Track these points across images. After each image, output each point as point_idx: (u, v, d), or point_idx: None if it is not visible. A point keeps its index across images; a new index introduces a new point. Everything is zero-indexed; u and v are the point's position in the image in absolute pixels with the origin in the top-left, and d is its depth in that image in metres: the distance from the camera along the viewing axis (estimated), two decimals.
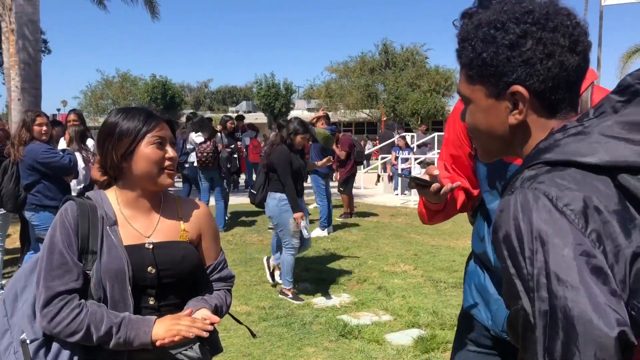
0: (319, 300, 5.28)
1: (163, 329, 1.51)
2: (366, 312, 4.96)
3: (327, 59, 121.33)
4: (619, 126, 0.87)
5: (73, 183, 5.41)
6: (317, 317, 4.80)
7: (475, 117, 1.05)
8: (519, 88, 0.96)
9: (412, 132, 16.50)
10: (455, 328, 4.66)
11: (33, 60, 11.45)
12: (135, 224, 1.61)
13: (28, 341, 1.46)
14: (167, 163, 1.60)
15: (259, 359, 3.93)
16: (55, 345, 1.46)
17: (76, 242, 1.51)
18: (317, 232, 8.17)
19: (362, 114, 36.25)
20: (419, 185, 1.65)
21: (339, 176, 9.40)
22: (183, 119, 33.33)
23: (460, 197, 1.87)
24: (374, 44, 50.86)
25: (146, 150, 1.57)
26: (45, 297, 1.45)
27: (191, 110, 44.06)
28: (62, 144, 5.90)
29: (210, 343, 1.68)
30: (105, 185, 1.68)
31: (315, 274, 6.14)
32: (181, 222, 1.69)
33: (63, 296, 1.46)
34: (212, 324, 1.66)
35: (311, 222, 9.26)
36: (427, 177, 1.66)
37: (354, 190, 10.39)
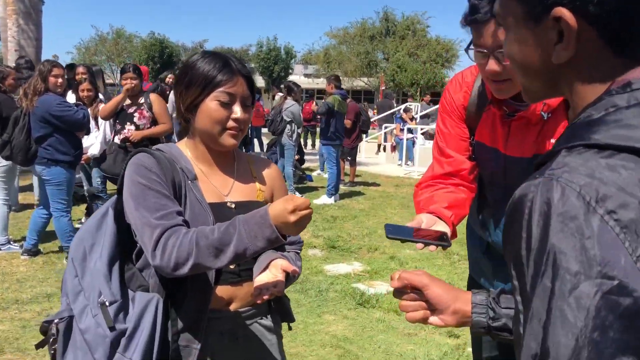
0: (331, 268, 5.23)
1: (278, 212, 1.25)
2: (380, 281, 4.92)
3: (326, 24, 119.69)
4: None
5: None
6: (332, 284, 4.75)
7: (510, 47, 0.77)
8: (563, 12, 0.67)
9: (409, 101, 16.38)
10: None
11: (34, 10, 11.08)
12: (213, 181, 1.50)
13: (107, 303, 1.35)
14: (231, 124, 1.45)
15: None
16: (137, 306, 1.36)
17: (167, 188, 1.37)
18: (324, 199, 8.10)
19: (360, 82, 35.95)
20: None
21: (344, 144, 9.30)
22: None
23: (465, 198, 1.77)
24: (374, 11, 50.09)
25: (211, 105, 1.43)
26: (156, 236, 1.30)
27: None
28: (71, 99, 5.72)
29: (281, 311, 1.61)
30: (179, 135, 1.57)
31: (325, 241, 6.09)
32: (256, 181, 1.58)
33: (172, 229, 1.32)
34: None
35: (317, 189, 9.20)
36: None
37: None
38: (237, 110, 1.45)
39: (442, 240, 1.42)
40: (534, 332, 0.59)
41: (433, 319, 1.11)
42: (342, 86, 8.58)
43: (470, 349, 3.56)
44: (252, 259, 1.50)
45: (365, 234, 6.51)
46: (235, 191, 1.52)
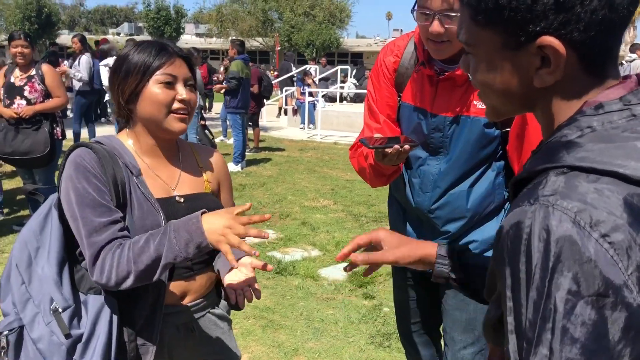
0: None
1: (214, 227, 1.25)
2: (295, 247, 5.03)
3: None
4: None
5: None
6: None
7: (484, 75, 0.78)
8: (551, 40, 0.69)
9: (307, 63, 16.52)
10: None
11: None
12: (159, 174, 1.46)
13: (60, 309, 1.30)
14: (176, 105, 1.41)
15: None
16: (91, 311, 1.31)
17: (108, 190, 1.33)
18: (231, 167, 8.01)
19: (255, 42, 35.34)
20: (381, 152, 1.61)
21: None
22: (59, 40, 30.37)
23: None
24: None
25: (153, 90, 1.38)
26: (91, 255, 1.28)
27: (68, 32, 40.03)
28: None
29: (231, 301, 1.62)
30: (118, 130, 1.50)
31: None
32: (203, 172, 1.56)
33: (108, 246, 1.29)
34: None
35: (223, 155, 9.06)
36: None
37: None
38: (182, 91, 1.41)
39: (406, 141, 1.63)
40: (540, 354, 0.63)
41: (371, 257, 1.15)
42: None
43: (386, 309, 3.78)
44: (204, 253, 1.50)
45: (276, 200, 6.57)
46: (182, 184, 1.49)
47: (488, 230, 1.84)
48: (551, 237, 0.63)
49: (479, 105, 1.71)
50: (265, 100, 10.09)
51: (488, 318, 0.82)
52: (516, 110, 0.83)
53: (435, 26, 1.58)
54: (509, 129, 1.72)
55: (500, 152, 1.79)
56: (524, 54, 0.73)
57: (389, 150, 1.58)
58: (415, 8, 1.62)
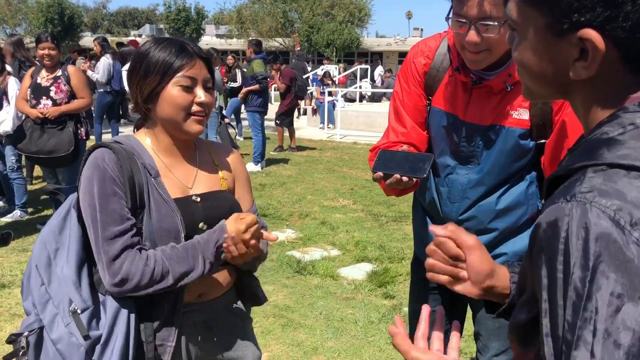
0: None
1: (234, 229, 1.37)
2: (314, 247, 5.04)
3: None
4: None
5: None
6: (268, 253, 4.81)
7: (523, 54, 0.77)
8: (592, 34, 0.67)
9: (324, 63, 16.58)
10: (403, 261, 4.77)
11: None
12: (176, 173, 1.47)
13: (79, 311, 1.31)
14: (195, 108, 1.42)
15: None
16: (109, 311, 1.33)
17: (124, 193, 1.35)
18: (251, 167, 8.07)
19: (275, 43, 35.49)
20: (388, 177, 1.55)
21: (277, 109, 9.34)
22: (82, 42, 30.85)
23: None
24: None
25: (173, 92, 1.39)
26: (106, 261, 1.31)
27: (90, 34, 40.63)
28: None
29: (251, 296, 1.64)
30: (135, 127, 1.52)
31: None
32: (218, 169, 1.57)
33: (125, 253, 1.32)
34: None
35: (242, 156, 9.13)
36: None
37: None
38: (200, 94, 1.42)
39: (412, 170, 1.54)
40: (580, 357, 0.60)
41: (458, 287, 1.02)
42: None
43: (406, 309, 3.76)
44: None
45: (295, 200, 6.59)
46: (199, 182, 1.51)
47: (520, 243, 1.76)
48: (590, 235, 0.61)
49: (515, 115, 1.65)
50: (299, 101, 10.19)
51: (517, 321, 0.79)
52: (550, 95, 0.81)
53: (472, 35, 1.49)
54: (545, 140, 1.65)
55: (534, 162, 1.72)
56: (565, 42, 0.71)
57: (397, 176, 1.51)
58: (450, 15, 1.53)
